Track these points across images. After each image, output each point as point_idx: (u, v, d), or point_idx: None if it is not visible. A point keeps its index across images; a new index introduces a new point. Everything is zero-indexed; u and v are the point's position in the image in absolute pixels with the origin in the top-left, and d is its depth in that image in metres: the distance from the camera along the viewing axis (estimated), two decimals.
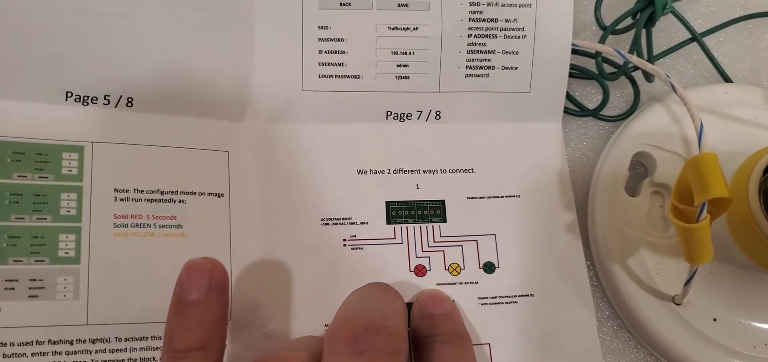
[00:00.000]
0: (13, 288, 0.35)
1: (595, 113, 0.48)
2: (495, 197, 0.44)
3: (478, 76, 0.45)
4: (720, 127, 0.45)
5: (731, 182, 0.41)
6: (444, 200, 0.43)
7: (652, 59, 0.48)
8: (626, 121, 0.47)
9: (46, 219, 0.37)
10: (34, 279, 0.36)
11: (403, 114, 0.45)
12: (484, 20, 0.44)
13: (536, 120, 0.46)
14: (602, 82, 0.47)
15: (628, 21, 0.48)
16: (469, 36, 0.44)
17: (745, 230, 0.39)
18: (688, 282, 0.39)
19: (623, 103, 0.48)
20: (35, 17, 0.38)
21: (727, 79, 0.49)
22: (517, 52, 0.44)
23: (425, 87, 0.44)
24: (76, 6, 0.38)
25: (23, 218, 0.36)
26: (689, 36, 0.49)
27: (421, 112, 0.45)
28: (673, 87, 0.42)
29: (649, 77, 0.47)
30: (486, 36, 0.44)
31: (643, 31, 0.47)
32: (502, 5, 0.44)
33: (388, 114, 0.44)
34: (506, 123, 0.46)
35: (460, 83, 0.45)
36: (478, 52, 0.44)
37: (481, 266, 0.42)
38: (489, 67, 0.44)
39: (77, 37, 0.39)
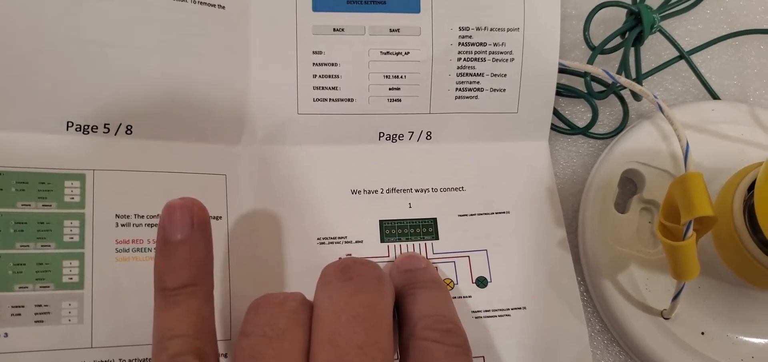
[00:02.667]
0: (19, 314, 0.36)
1: (584, 131, 0.48)
2: (485, 214, 0.45)
3: (467, 97, 0.46)
4: (707, 143, 0.46)
5: (717, 199, 0.41)
6: (436, 218, 0.44)
7: (640, 77, 0.49)
8: (615, 138, 0.48)
9: (50, 246, 0.38)
10: (40, 305, 0.37)
11: (396, 135, 0.46)
12: (473, 44, 0.45)
13: (524, 139, 0.47)
14: (591, 101, 0.48)
15: (617, 40, 0.49)
16: (459, 59, 0.45)
17: (731, 246, 0.40)
18: (675, 297, 0.40)
19: (612, 121, 0.49)
20: (35, 49, 0.39)
21: (714, 96, 0.50)
22: (505, 75, 0.46)
23: (416, 109, 0.45)
24: (75, 37, 0.39)
25: (28, 246, 0.37)
26: (677, 54, 0.50)
27: (413, 132, 0.46)
28: (660, 107, 0.43)
29: (637, 96, 0.48)
30: (475, 59, 0.45)
31: (632, 49, 0.48)
32: (491, 30, 0.45)
33: (380, 135, 0.46)
34: (495, 142, 0.47)
35: (450, 105, 0.46)
36: (467, 74, 0.45)
37: (474, 281, 0.43)
38: (478, 89, 0.46)
39: (76, 68, 0.40)
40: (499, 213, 0.45)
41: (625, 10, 0.49)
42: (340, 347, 0.32)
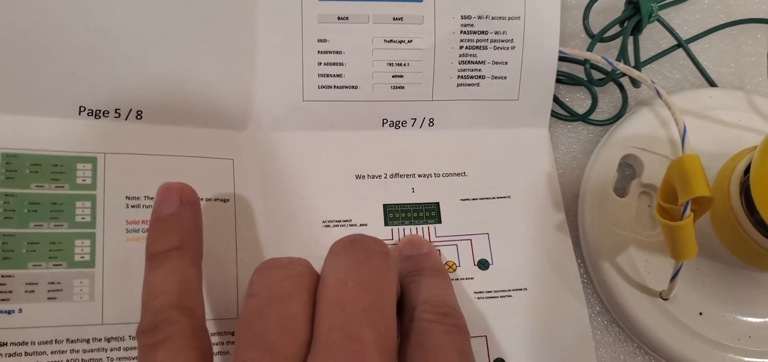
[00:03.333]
0: (33, 291, 0.37)
1: (584, 118, 0.49)
2: (487, 198, 0.46)
3: (469, 85, 0.47)
4: (705, 129, 0.47)
5: (714, 182, 0.42)
6: (438, 202, 0.45)
7: (639, 65, 0.50)
8: (615, 124, 0.49)
9: (62, 226, 0.39)
10: (53, 282, 0.38)
11: (399, 121, 0.47)
12: (475, 32, 0.46)
13: (525, 125, 0.48)
14: (591, 88, 0.49)
15: (616, 29, 0.50)
16: (461, 47, 0.46)
17: (728, 228, 0.40)
18: (673, 277, 0.41)
19: (612, 108, 0.50)
20: (49, 36, 0.40)
21: (711, 84, 0.51)
22: (506, 63, 0.47)
23: (419, 96, 0.46)
24: (87, 24, 0.41)
25: (41, 225, 0.38)
26: (675, 43, 0.51)
27: (416, 119, 0.47)
28: (658, 92, 0.44)
29: (635, 83, 0.49)
30: (477, 47, 0.46)
31: (630, 38, 0.49)
32: (492, 18, 0.46)
33: (384, 121, 0.47)
34: (496, 129, 0.48)
35: (452, 92, 0.47)
36: (469, 62, 0.46)
37: (476, 263, 0.44)
38: (479, 77, 0.47)
39: (88, 55, 0.41)
40: (501, 197, 0.46)
41: (623, 0, 0.50)
42: (346, 311, 0.33)
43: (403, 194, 0.45)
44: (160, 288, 0.34)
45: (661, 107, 0.47)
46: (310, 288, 0.35)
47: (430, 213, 0.45)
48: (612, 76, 0.49)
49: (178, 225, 0.36)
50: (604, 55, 0.47)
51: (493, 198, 0.46)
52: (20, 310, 0.37)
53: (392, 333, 0.34)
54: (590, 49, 0.49)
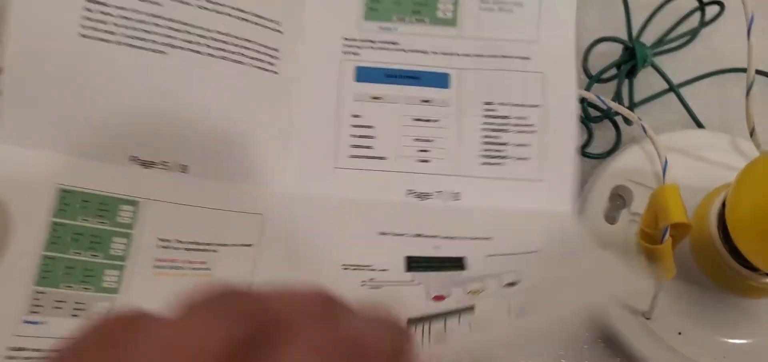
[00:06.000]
0: (60, 308, 0.41)
1: (580, 151, 0.51)
2: (514, 254, 0.46)
3: (493, 164, 0.49)
4: (691, 166, 0.49)
5: (696, 213, 0.45)
6: (463, 257, 0.46)
7: (633, 106, 0.53)
8: (608, 158, 0.52)
9: (98, 256, 0.43)
10: (79, 302, 0.42)
11: (424, 193, 0.49)
12: (497, 117, 0.49)
13: (549, 205, 0.48)
14: (587, 124, 0.52)
15: (613, 72, 0.53)
16: (484, 129, 0.49)
17: (707, 254, 0.44)
18: (654, 296, 0.43)
19: (606, 143, 0.53)
20: (114, 93, 0.44)
21: (700, 126, 0.53)
22: (528, 145, 0.49)
23: (444, 170, 0.49)
24: (156, 85, 0.45)
25: (80, 253, 0.42)
26: (667, 87, 0.54)
27: (441, 191, 0.49)
28: (643, 128, 0.48)
29: (628, 121, 0.52)
30: (500, 130, 0.49)
31: (626, 80, 0.53)
32: (513, 105, 0.49)
33: (409, 192, 0.49)
34: (521, 206, 0.48)
35: (476, 170, 0.49)
36: (492, 143, 0.49)
37: (504, 286, 0.44)
38: (503, 157, 0.49)
39: (149, 112, 0.45)
40: (529, 252, 0.46)
41: (621, 46, 0.53)
42: None
43: (427, 251, 0.46)
44: None
45: (650, 144, 0.49)
46: None
47: (454, 264, 0.45)
48: (607, 114, 0.52)
49: None
50: (600, 95, 0.50)
51: (521, 253, 0.46)
52: (45, 323, 0.41)
53: None
54: (588, 88, 0.52)
